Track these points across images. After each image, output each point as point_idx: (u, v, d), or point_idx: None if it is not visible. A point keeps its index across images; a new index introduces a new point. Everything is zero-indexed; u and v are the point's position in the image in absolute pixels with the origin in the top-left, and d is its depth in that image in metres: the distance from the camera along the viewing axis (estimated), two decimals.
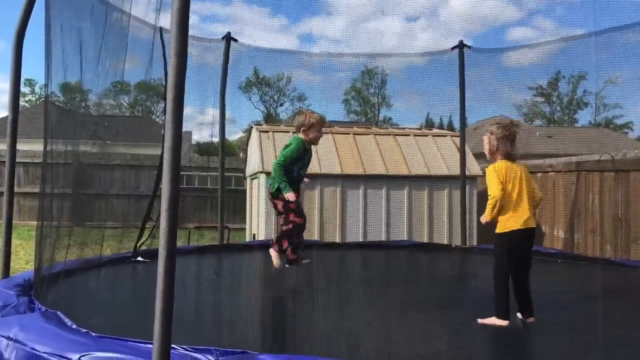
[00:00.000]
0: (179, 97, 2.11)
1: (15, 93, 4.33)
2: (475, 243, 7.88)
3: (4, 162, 4.45)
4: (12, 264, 4.41)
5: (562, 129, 32.75)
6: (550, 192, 7.75)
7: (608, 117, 40.81)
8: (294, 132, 4.58)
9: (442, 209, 8.25)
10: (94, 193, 5.60)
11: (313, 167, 7.97)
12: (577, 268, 5.94)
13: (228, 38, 7.35)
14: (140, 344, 2.44)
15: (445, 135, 9.07)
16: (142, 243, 5.98)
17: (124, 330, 2.62)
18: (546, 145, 24.25)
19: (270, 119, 43.52)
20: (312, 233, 7.87)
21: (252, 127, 9.39)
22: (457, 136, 8.27)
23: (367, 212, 8.07)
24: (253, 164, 8.89)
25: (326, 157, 8.17)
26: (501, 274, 3.70)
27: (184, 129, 2.36)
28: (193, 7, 2.24)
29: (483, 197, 8.52)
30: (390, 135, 8.95)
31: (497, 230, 3.77)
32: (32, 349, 2.46)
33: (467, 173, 7.87)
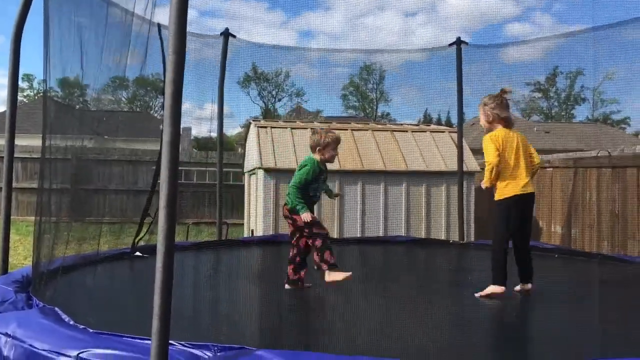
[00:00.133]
0: (177, 94, 2.11)
1: (14, 88, 4.33)
2: (472, 238, 7.90)
3: (2, 157, 4.45)
4: (10, 260, 4.41)
5: (559, 125, 32.79)
6: (547, 188, 7.77)
7: (605, 112, 40.86)
8: (313, 148, 4.40)
9: (440, 204, 8.27)
10: (92, 188, 5.58)
11: None
12: (574, 263, 5.97)
13: (226, 34, 7.34)
14: (139, 340, 2.44)
15: (443, 131, 9.08)
16: (141, 239, 5.99)
17: (122, 327, 2.63)
18: (544, 140, 24.29)
19: (269, 114, 43.46)
20: None
21: (250, 123, 9.39)
22: (455, 132, 8.28)
23: (365, 207, 8.08)
24: (251, 159, 8.89)
25: None
26: (500, 240, 3.73)
27: (182, 125, 2.36)
28: (191, 1, 2.25)
29: (480, 192, 8.54)
30: (388, 131, 8.96)
31: (496, 197, 3.81)
32: (30, 345, 2.47)
33: (465, 169, 7.88)
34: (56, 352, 2.37)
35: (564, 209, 7.47)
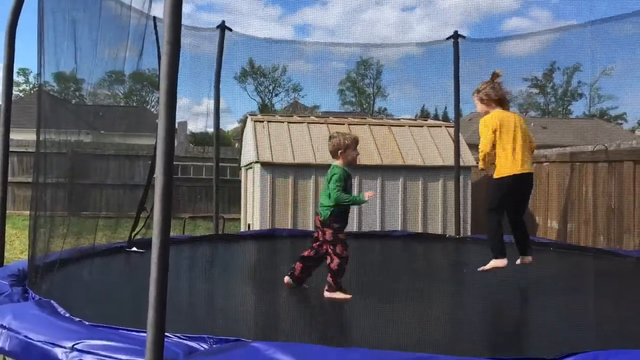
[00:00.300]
0: (172, 85, 2.11)
1: (8, 81, 4.31)
2: (469, 233, 7.92)
3: None
4: (6, 254, 4.40)
5: (556, 120, 32.83)
6: (544, 182, 7.78)
7: (602, 108, 40.90)
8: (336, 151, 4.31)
9: (437, 199, 8.28)
10: (88, 183, 5.57)
11: (307, 157, 8.00)
12: (570, 257, 5.99)
13: (223, 27, 7.32)
14: (134, 333, 2.45)
15: (440, 126, 9.08)
16: (137, 233, 5.98)
17: (118, 319, 2.63)
18: (540, 136, 24.29)
19: (266, 109, 43.42)
20: (307, 223, 7.89)
21: (247, 117, 9.38)
22: (452, 127, 8.28)
23: None
24: (248, 153, 8.88)
25: (321, 147, 8.16)
26: (495, 218, 3.76)
27: (179, 119, 2.36)
28: None
29: (477, 187, 8.55)
30: (385, 125, 8.96)
31: (495, 175, 3.83)
32: (26, 336, 2.47)
33: (462, 163, 7.89)
34: (51, 344, 2.38)
35: (560, 203, 7.48)
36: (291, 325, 3.29)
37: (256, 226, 8.05)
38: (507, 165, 3.74)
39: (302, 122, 8.73)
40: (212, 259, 6.05)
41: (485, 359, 2.24)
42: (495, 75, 4.05)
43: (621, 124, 38.38)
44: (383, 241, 7.12)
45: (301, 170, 7.94)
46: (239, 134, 11.19)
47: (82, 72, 4.81)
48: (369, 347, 2.35)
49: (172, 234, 2.28)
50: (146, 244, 5.53)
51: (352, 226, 7.99)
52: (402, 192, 8.17)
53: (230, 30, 7.38)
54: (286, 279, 4.23)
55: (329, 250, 4.04)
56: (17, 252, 7.87)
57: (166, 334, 2.18)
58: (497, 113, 3.88)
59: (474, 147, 7.23)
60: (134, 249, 5.69)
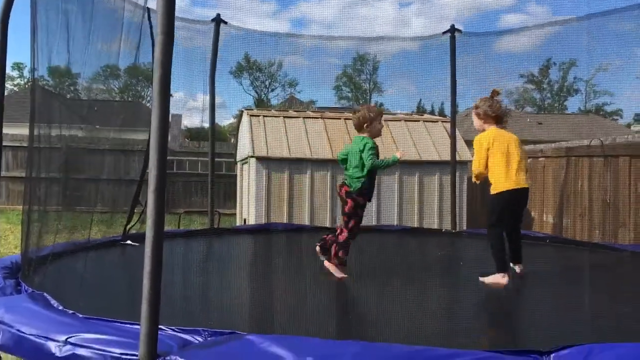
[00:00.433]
0: (166, 75, 2.09)
1: (1, 75, 4.27)
2: (465, 227, 7.92)
3: None
4: (0, 249, 4.38)
5: (552, 116, 32.88)
6: (540, 177, 7.78)
7: (598, 104, 41.01)
8: (365, 125, 4.32)
9: (433, 194, 8.27)
10: (83, 177, 5.54)
11: (303, 152, 7.98)
12: (565, 251, 5.99)
13: (218, 20, 7.27)
14: (128, 325, 2.43)
15: (436, 121, 9.07)
16: (132, 227, 5.96)
17: (112, 312, 2.61)
18: (536, 131, 24.34)
19: (262, 104, 43.35)
20: (302, 217, 7.88)
21: (242, 112, 9.35)
22: (448, 122, 8.27)
23: None
24: (243, 148, 8.85)
25: (317, 142, 8.15)
26: (496, 233, 3.84)
27: (174, 112, 2.34)
28: None
29: (473, 182, 8.55)
30: None
31: (492, 192, 3.91)
32: (18, 330, 2.44)
33: (458, 158, 7.88)
34: (44, 337, 2.35)
35: (556, 198, 7.49)
36: (287, 318, 3.28)
37: (251, 221, 8.04)
38: (502, 181, 3.83)
39: (298, 117, 8.71)
40: (207, 252, 6.03)
41: (481, 351, 2.23)
42: (494, 93, 4.11)
43: (617, 119, 38.49)
44: (379, 236, 7.11)
45: (297, 164, 7.92)
46: (235, 128, 11.16)
47: (77, 66, 4.78)
48: (365, 340, 2.34)
49: (167, 228, 2.26)
50: (141, 238, 5.51)
51: None
52: (398, 186, 8.16)
53: (226, 23, 7.33)
54: (330, 267, 4.22)
55: (344, 221, 4.09)
56: (12, 246, 7.83)
57: (160, 326, 2.17)
58: (491, 130, 3.98)
59: (469, 142, 7.22)
60: (129, 242, 5.67)
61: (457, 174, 7.83)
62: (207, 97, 7.47)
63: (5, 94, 4.33)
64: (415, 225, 8.01)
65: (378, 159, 4.18)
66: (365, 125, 4.27)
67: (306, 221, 7.83)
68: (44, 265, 3.83)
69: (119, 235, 5.82)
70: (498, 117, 4.00)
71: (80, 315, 2.60)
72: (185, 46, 7.36)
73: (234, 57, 9.67)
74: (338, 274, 4.01)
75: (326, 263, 4.07)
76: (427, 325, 3.11)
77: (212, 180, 7.72)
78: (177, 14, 2.20)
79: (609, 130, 24.94)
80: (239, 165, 9.87)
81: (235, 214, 10.30)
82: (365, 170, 4.14)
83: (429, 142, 8.50)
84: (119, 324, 2.46)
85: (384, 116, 9.21)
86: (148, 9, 5.50)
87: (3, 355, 2.69)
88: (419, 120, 8.99)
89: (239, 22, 7.48)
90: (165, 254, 2.14)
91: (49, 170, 4.42)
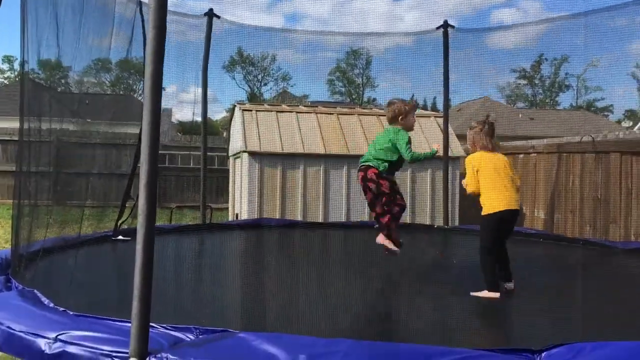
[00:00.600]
0: (158, 69, 2.06)
1: None
2: (457, 223, 7.93)
3: None
4: None
5: (544, 112, 32.98)
6: (531, 173, 7.81)
7: (589, 99, 41.15)
8: (395, 119, 4.44)
9: (425, 189, 8.28)
10: (73, 172, 5.50)
11: (296, 147, 7.96)
12: (557, 248, 6.02)
13: (210, 14, 7.22)
14: (119, 323, 2.41)
15: (429, 116, 9.06)
16: (123, 222, 5.92)
17: (103, 310, 2.59)
18: (528, 127, 24.42)
19: (254, 98, 43.16)
20: (295, 213, 7.87)
21: (235, 106, 9.30)
22: (441, 117, 8.27)
23: (350, 191, 8.06)
24: (236, 143, 8.82)
25: (309, 137, 8.13)
26: (487, 253, 3.87)
27: (165, 106, 2.32)
28: None
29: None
30: (374, 115, 8.93)
31: (483, 213, 3.96)
32: (8, 327, 2.42)
33: (450, 154, 7.89)
34: (34, 334, 2.33)
35: (547, 194, 7.52)
36: (279, 316, 3.27)
37: (244, 216, 8.01)
38: (495, 202, 3.89)
39: (290, 112, 8.67)
40: (199, 248, 6.01)
41: (473, 350, 2.24)
42: (487, 118, 4.20)
43: (607, 115, 38.69)
44: (369, 232, 7.10)
45: (289, 159, 7.90)
46: (227, 123, 11.12)
47: (68, 59, 4.73)
48: (357, 338, 2.34)
49: (158, 223, 2.24)
50: (132, 233, 5.48)
51: (340, 216, 7.98)
52: None
53: (218, 17, 7.29)
54: (395, 249, 4.30)
55: (389, 199, 4.11)
56: (2, 241, 7.77)
57: (151, 324, 2.15)
58: (478, 154, 4.07)
59: (462, 137, 7.23)
60: (120, 237, 5.64)
61: (450, 169, 7.84)
62: (200, 91, 7.44)
63: None
64: (408, 221, 8.01)
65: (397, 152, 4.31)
66: (400, 118, 4.39)
67: (299, 216, 7.82)
68: (34, 261, 3.79)
69: (110, 230, 5.78)
70: (484, 147, 4.10)
71: (71, 313, 2.58)
72: (178, 40, 7.31)
73: (226, 51, 9.63)
74: (391, 246, 4.22)
75: (379, 239, 4.19)
76: (419, 324, 3.11)
77: (205, 175, 7.69)
78: (169, 7, 2.17)
79: (600, 126, 25.06)
80: (231, 159, 9.83)
81: (227, 209, 10.27)
82: (395, 157, 4.28)
83: (422, 137, 8.50)
84: (109, 322, 2.44)
85: (377, 111, 9.24)
86: (140, 2, 5.45)
87: None
88: None
89: (232, 16, 7.45)
90: (156, 250, 2.12)
91: (39, 164, 4.37)
